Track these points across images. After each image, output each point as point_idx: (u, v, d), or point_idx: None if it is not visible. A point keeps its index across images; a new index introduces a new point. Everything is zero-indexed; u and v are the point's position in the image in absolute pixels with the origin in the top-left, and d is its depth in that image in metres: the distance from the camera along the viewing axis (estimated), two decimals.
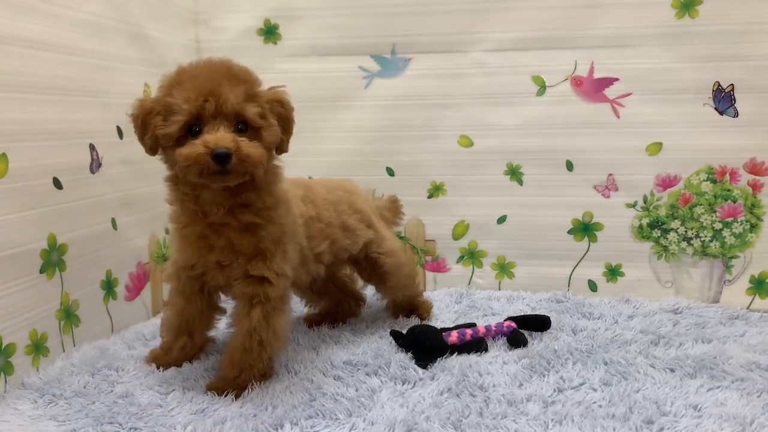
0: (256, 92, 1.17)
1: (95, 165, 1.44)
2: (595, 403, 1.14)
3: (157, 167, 1.68)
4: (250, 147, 1.12)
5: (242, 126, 1.14)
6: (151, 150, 1.19)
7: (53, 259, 1.31)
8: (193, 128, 1.13)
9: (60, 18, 1.35)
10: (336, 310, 1.64)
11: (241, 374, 1.22)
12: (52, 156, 1.31)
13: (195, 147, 1.10)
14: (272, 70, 1.88)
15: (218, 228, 1.20)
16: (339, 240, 1.45)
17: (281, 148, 1.23)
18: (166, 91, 1.15)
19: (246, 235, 1.21)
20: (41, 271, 1.28)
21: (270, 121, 1.17)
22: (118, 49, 1.54)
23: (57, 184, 1.32)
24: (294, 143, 1.25)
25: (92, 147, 1.43)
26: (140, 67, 1.62)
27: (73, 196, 1.37)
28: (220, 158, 1.08)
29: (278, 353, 1.30)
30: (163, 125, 1.13)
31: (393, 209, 1.75)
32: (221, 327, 1.40)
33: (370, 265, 1.56)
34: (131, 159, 1.55)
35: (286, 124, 1.21)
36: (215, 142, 1.09)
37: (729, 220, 1.77)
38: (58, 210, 1.33)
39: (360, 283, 1.74)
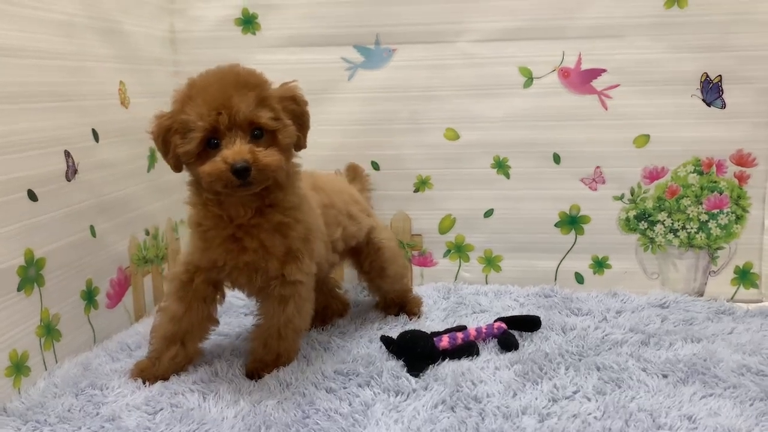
0: (267, 95, 1.17)
1: (71, 172, 1.38)
2: (590, 414, 1.13)
3: (133, 169, 1.63)
4: (267, 156, 1.14)
5: (258, 132, 1.16)
6: (176, 168, 1.22)
7: (31, 274, 1.26)
8: (211, 141, 1.15)
9: (27, 20, 1.27)
10: (324, 312, 1.62)
11: (280, 358, 1.32)
12: (25, 168, 1.25)
13: (216, 164, 1.13)
14: (251, 62, 1.77)
15: (249, 229, 1.22)
16: (348, 227, 1.49)
17: (299, 145, 1.25)
18: (179, 107, 1.16)
19: (277, 236, 1.24)
20: (19, 289, 1.22)
21: (284, 121, 1.18)
22: (90, 47, 1.46)
23: (32, 196, 1.26)
24: None
25: (67, 154, 1.37)
26: (114, 64, 1.54)
27: (50, 207, 1.31)
28: (240, 172, 1.11)
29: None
30: (182, 143, 1.15)
31: (358, 178, 1.78)
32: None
33: (373, 251, 1.58)
34: (107, 162, 1.50)
35: (301, 120, 1.24)
36: (233, 157, 1.11)
37: (715, 211, 1.77)
38: (34, 223, 1.26)
39: (344, 288, 1.73)
